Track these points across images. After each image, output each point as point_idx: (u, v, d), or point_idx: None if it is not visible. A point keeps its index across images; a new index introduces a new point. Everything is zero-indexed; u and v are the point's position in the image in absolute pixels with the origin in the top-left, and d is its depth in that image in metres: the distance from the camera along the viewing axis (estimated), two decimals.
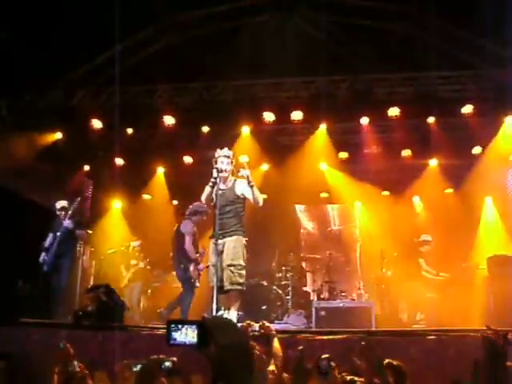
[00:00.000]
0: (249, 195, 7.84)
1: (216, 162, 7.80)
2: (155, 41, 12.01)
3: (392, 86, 11.37)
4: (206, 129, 12.20)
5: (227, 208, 7.74)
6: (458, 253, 12.00)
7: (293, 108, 11.54)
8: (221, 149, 7.97)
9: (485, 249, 11.83)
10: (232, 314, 7.55)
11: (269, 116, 11.58)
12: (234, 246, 7.63)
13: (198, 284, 10.01)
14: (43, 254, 9.61)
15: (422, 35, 11.51)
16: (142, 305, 12.02)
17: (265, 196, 11.71)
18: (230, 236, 7.66)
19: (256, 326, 6.42)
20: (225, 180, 7.88)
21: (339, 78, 11.56)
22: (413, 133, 12.81)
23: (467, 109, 11.13)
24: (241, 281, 7.59)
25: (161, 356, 3.14)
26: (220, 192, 7.65)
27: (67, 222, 9.62)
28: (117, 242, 12.94)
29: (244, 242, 7.84)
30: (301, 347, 4.10)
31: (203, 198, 8.08)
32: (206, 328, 1.57)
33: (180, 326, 1.62)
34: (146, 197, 14.83)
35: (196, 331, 1.59)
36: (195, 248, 9.98)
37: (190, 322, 1.62)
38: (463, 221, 12.65)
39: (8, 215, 10.32)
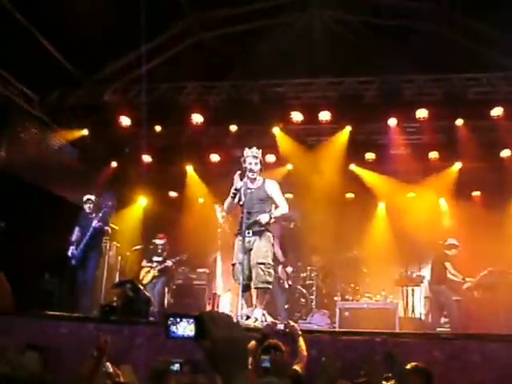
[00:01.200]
0: (277, 199, 7.87)
1: (244, 162, 7.82)
2: (184, 38, 12.06)
3: (420, 88, 11.32)
4: (233, 127, 12.23)
5: (256, 207, 7.72)
6: (485, 257, 11.87)
7: (321, 108, 11.53)
8: (249, 148, 7.94)
9: None
10: (257, 313, 7.53)
11: (297, 116, 11.59)
12: (263, 245, 7.61)
13: (287, 285, 10.37)
14: (71, 247, 9.71)
15: (451, 35, 11.40)
16: (166, 300, 12.11)
17: (290, 195, 11.89)
18: (259, 234, 7.62)
19: (281, 325, 6.47)
20: (253, 180, 7.87)
21: (367, 79, 11.55)
22: (440, 135, 12.75)
23: (497, 111, 11.03)
24: (270, 279, 7.58)
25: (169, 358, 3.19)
26: (248, 191, 7.69)
27: (97, 224, 9.70)
28: (142, 239, 13.04)
29: (272, 241, 7.86)
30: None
31: (225, 207, 8.17)
32: (203, 321, 1.61)
33: (178, 320, 1.68)
34: (172, 194, 14.91)
35: (193, 324, 1.64)
36: (283, 251, 10.01)
37: (188, 316, 1.67)
38: (490, 224, 12.51)
39: (36, 211, 10.46)
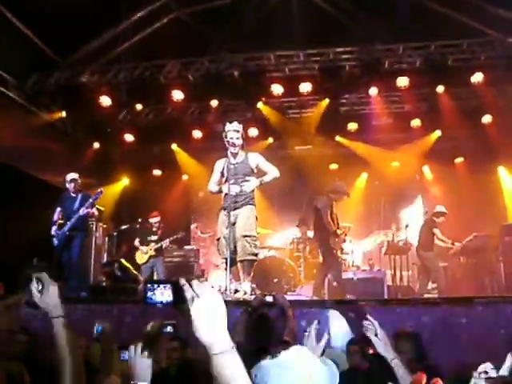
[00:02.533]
0: (264, 167, 7.84)
1: (226, 136, 7.71)
2: (161, 16, 11.93)
3: (400, 56, 11.31)
4: (214, 103, 12.18)
5: (240, 181, 7.67)
6: (470, 222, 11.99)
7: (301, 80, 11.50)
8: (230, 122, 7.83)
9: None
10: (245, 286, 7.58)
11: (277, 88, 11.55)
12: (247, 217, 7.61)
13: (339, 255, 10.23)
14: (54, 227, 9.62)
15: (431, 3, 11.36)
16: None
17: None
18: (243, 206, 7.63)
19: (270, 298, 6.50)
20: (236, 154, 7.79)
21: (347, 50, 11.50)
22: (422, 103, 12.80)
23: (477, 77, 11.05)
24: (255, 251, 7.62)
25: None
26: (232, 166, 7.68)
27: (84, 211, 9.55)
28: (128, 219, 13.02)
29: (256, 214, 7.86)
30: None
31: (210, 188, 8.03)
32: (180, 286, 1.63)
33: (156, 286, 1.70)
34: (156, 172, 14.90)
35: (170, 290, 1.66)
36: (334, 222, 9.89)
37: (165, 282, 1.69)
38: (474, 190, 12.60)
39: (20, 195, 10.39)
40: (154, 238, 11.45)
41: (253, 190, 7.80)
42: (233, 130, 7.66)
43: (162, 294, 1.68)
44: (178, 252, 12.69)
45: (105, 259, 12.19)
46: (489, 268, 10.61)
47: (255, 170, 7.86)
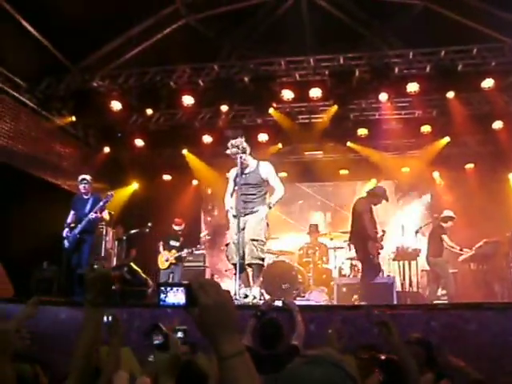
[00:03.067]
0: (272, 182, 8.05)
1: (228, 152, 7.99)
2: (172, 22, 11.99)
3: (410, 62, 11.29)
4: (224, 108, 12.21)
5: (251, 190, 7.96)
6: (480, 228, 11.94)
7: (311, 86, 11.51)
8: (233, 138, 8.10)
9: None
10: (255, 291, 7.65)
11: (287, 94, 11.57)
12: (256, 222, 7.80)
13: (377, 261, 9.82)
14: (66, 229, 9.69)
15: (441, 9, 11.36)
16: None
17: (284, 174, 11.97)
18: (251, 213, 7.85)
19: (279, 302, 6.52)
20: (246, 165, 8.01)
21: (357, 55, 11.50)
22: (432, 108, 12.79)
23: (487, 83, 11.02)
24: (262, 256, 7.77)
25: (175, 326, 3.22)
26: (243, 176, 7.92)
27: (94, 215, 9.60)
28: (138, 223, 13.06)
29: (267, 220, 7.97)
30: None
31: (226, 199, 8.26)
32: (192, 289, 1.65)
33: (169, 289, 1.72)
34: (166, 177, 14.96)
35: (183, 293, 1.68)
36: (373, 226, 9.83)
37: (178, 284, 1.71)
38: (484, 196, 12.56)
39: (32, 199, 10.45)
40: (177, 244, 11.64)
41: (265, 194, 8.03)
42: (231, 147, 7.92)
43: (175, 297, 1.71)
44: (188, 257, 12.73)
45: (114, 263, 12.23)
46: (499, 274, 10.59)
47: (265, 180, 8.04)
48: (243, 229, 7.75)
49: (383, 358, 4.53)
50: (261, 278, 7.99)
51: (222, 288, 1.68)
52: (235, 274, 7.73)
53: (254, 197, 7.96)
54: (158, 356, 2.67)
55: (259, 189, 8.00)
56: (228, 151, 7.97)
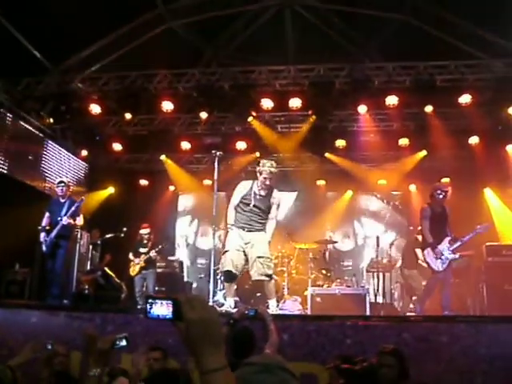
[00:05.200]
0: (274, 211, 8.26)
1: (261, 173, 8.04)
2: (154, 26, 11.98)
3: (389, 75, 11.39)
4: (204, 115, 12.19)
5: (261, 212, 8.13)
6: None
7: (291, 95, 11.56)
8: (267, 160, 8.26)
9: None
10: (272, 304, 8.10)
11: (267, 103, 11.60)
12: (261, 241, 8.03)
13: (436, 267, 9.22)
14: (43, 234, 9.56)
15: (421, 24, 11.51)
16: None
17: None
18: (258, 231, 8.08)
19: (252, 311, 6.51)
20: (265, 189, 8.13)
21: (337, 66, 11.59)
22: (410, 122, 12.90)
23: (465, 98, 11.17)
24: (269, 272, 8.01)
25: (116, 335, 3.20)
26: (258, 197, 8.09)
27: (66, 221, 9.48)
28: (114, 228, 12.97)
29: (268, 239, 8.20)
30: None
31: (230, 211, 8.35)
32: (179, 303, 1.66)
33: (157, 301, 1.74)
34: (143, 182, 14.91)
35: (170, 306, 1.70)
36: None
37: (165, 298, 1.73)
38: (459, 209, 12.66)
39: (5, 200, 10.34)
40: (145, 249, 11.47)
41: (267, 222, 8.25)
42: (269, 172, 7.99)
43: (163, 310, 1.73)
44: (161, 263, 12.65)
45: (88, 267, 12.12)
46: (471, 288, 10.67)
47: (272, 209, 8.24)
48: (247, 243, 7.98)
49: (345, 367, 4.56)
50: (274, 291, 8.32)
51: (209, 304, 1.70)
52: (222, 282, 7.91)
53: (262, 220, 8.17)
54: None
55: (266, 213, 8.20)
56: (265, 173, 8.00)
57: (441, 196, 9.11)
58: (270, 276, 8.03)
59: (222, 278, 8.08)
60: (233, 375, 1.66)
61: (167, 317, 1.70)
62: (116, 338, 3.14)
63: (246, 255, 7.95)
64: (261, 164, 8.13)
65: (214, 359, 1.62)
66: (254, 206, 8.04)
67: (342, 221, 14.91)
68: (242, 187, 8.29)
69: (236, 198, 8.25)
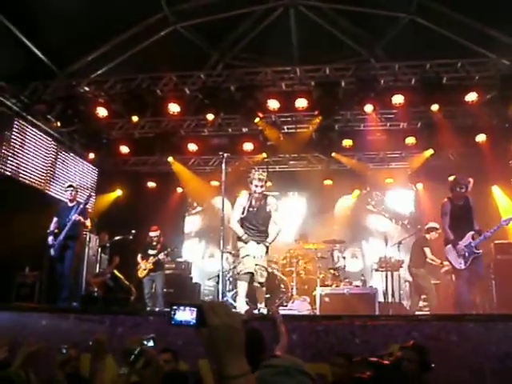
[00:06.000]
0: (274, 216, 8.64)
1: (251, 183, 8.45)
2: (160, 29, 12.01)
3: (395, 74, 11.38)
4: (210, 116, 12.19)
5: (260, 222, 8.56)
6: None
7: (297, 96, 11.56)
8: (256, 170, 8.68)
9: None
10: (261, 307, 8.41)
11: (273, 103, 11.61)
12: (262, 251, 8.50)
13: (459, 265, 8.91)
14: (50, 237, 9.61)
15: (426, 23, 11.50)
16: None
17: (269, 183, 12.09)
18: (263, 242, 8.53)
19: (265, 311, 6.56)
20: (258, 199, 8.52)
21: (343, 66, 11.59)
22: (417, 120, 12.88)
23: (471, 96, 11.14)
24: (262, 280, 8.50)
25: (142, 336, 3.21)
26: (253, 209, 8.52)
27: (77, 217, 9.57)
28: (122, 230, 13.00)
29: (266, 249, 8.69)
30: None
31: (234, 225, 8.68)
32: (203, 310, 1.68)
33: (181, 308, 1.76)
34: (150, 184, 14.93)
35: (194, 313, 1.72)
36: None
37: (190, 305, 1.75)
38: None
39: (15, 204, 10.41)
40: (154, 251, 11.51)
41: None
42: (258, 179, 8.39)
43: (186, 316, 1.75)
44: (170, 265, 12.68)
45: (97, 270, 12.16)
46: (481, 286, 10.64)
47: (272, 215, 8.63)
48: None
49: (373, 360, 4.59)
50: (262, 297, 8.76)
51: (232, 310, 1.71)
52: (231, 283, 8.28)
53: (265, 232, 8.59)
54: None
55: (266, 221, 8.61)
56: (255, 182, 8.39)
57: (462, 190, 8.87)
58: (262, 284, 8.50)
59: (241, 278, 8.43)
60: (254, 381, 1.68)
61: (191, 323, 1.72)
62: (144, 339, 3.17)
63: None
64: (251, 174, 8.54)
65: (236, 365, 1.64)
66: (253, 215, 8.48)
67: (349, 221, 14.88)
68: (242, 198, 8.69)
69: (237, 213, 8.61)
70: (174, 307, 1.77)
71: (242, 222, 8.59)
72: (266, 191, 8.67)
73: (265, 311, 7.50)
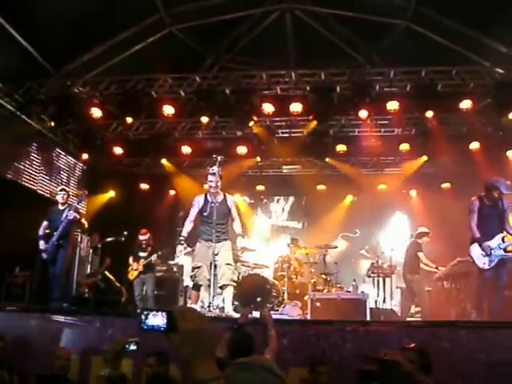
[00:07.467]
0: (234, 214, 8.85)
1: (206, 178, 8.65)
2: (155, 31, 12.00)
3: (391, 80, 11.40)
4: (205, 119, 12.18)
5: (221, 220, 8.61)
6: (456, 247, 11.99)
7: (292, 100, 11.57)
8: (210, 166, 8.88)
9: None
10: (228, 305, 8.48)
11: (268, 107, 11.61)
12: (228, 249, 8.62)
13: (482, 264, 8.58)
14: (41, 242, 9.51)
15: (422, 30, 11.53)
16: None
17: (262, 187, 12.06)
18: (225, 240, 8.64)
19: (257, 314, 6.52)
20: (216, 194, 8.62)
21: (338, 71, 11.60)
22: (411, 127, 12.90)
23: (466, 104, 11.18)
24: (234, 277, 8.75)
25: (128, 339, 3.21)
26: (213, 205, 8.55)
27: (72, 215, 9.50)
28: (114, 231, 12.96)
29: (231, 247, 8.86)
30: None
31: (187, 225, 8.88)
32: (173, 315, 1.68)
33: (151, 313, 1.76)
34: (143, 186, 14.89)
35: (164, 318, 1.72)
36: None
37: (160, 310, 1.75)
38: (461, 215, 12.63)
39: (6, 203, 10.34)
40: (144, 254, 11.47)
41: (229, 227, 8.85)
42: (210, 174, 8.58)
43: (157, 322, 1.74)
44: (162, 267, 12.64)
45: (88, 271, 12.10)
46: (472, 293, 10.64)
47: (231, 212, 8.81)
48: (216, 254, 8.38)
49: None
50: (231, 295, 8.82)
51: (203, 315, 1.71)
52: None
53: (224, 227, 8.68)
54: None
55: (226, 219, 8.75)
56: (209, 177, 8.55)
57: (496, 195, 8.41)
58: (235, 281, 8.75)
59: (192, 286, 8.92)
60: None
61: (161, 328, 1.72)
62: (127, 342, 3.17)
63: (213, 266, 8.36)
64: (206, 170, 8.85)
65: (207, 370, 1.64)
66: (215, 216, 8.43)
67: (342, 227, 14.86)
68: (197, 202, 8.78)
69: (192, 214, 8.77)
70: (146, 312, 1.78)
71: (203, 219, 8.68)
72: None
73: (257, 314, 7.42)
